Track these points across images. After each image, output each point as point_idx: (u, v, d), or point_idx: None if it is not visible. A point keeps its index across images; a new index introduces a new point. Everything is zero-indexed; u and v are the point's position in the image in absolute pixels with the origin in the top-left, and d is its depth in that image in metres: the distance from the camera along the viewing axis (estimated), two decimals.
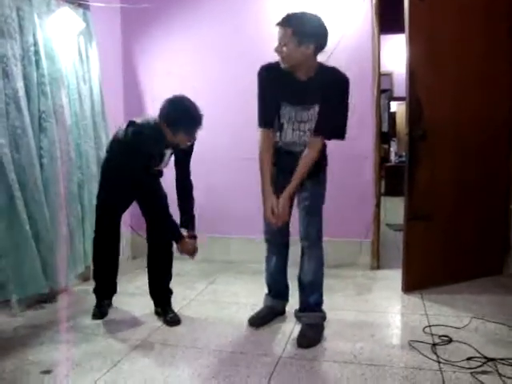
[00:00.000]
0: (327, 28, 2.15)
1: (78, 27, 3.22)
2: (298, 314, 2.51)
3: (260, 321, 2.61)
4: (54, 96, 3.00)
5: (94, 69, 3.43)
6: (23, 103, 2.74)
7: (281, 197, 2.29)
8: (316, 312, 2.45)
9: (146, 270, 2.81)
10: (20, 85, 2.74)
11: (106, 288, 2.86)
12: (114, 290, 2.91)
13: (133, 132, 2.49)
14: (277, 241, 2.58)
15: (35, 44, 2.87)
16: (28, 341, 2.47)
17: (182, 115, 2.44)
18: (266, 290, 2.72)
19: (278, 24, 2.11)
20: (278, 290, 2.68)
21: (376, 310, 2.81)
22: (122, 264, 3.08)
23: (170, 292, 2.81)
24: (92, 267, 2.92)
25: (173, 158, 2.74)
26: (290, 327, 2.56)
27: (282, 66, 2.16)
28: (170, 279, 2.81)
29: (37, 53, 2.88)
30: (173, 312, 2.73)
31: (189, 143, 2.60)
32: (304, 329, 2.41)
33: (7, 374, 2.14)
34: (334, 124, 2.26)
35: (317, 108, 2.23)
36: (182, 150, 2.66)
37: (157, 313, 2.78)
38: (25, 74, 2.81)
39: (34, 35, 2.86)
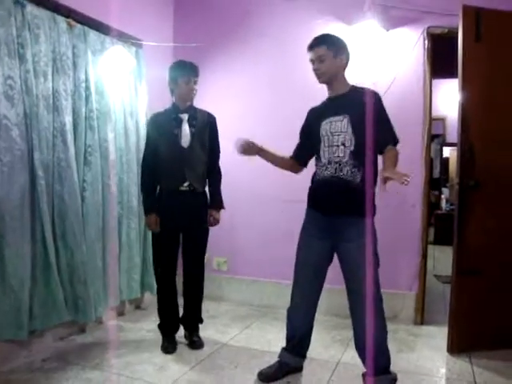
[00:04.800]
0: None
1: (129, 65, 3.31)
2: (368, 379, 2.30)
3: (269, 379, 2.42)
4: (101, 130, 3.06)
5: (142, 105, 3.49)
6: (69, 137, 2.81)
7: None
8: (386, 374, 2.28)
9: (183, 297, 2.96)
10: (68, 119, 2.82)
11: (171, 327, 2.97)
12: (177, 327, 3.00)
13: None
14: (307, 285, 2.41)
15: (86, 80, 2.96)
16: (55, 375, 2.45)
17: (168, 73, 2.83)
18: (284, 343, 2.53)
19: (312, 47, 2.28)
20: (299, 345, 2.49)
21: (417, 371, 2.56)
22: None
23: (201, 320, 3.01)
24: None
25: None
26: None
27: (320, 81, 2.32)
28: (201, 304, 2.99)
29: (87, 88, 2.96)
30: (198, 337, 2.94)
31: (187, 89, 2.80)
32: None
33: None
34: (392, 131, 2.30)
35: (348, 119, 2.23)
36: (201, 123, 2.89)
37: (185, 336, 2.98)
38: (74, 109, 2.89)
39: (86, 71, 2.96)
